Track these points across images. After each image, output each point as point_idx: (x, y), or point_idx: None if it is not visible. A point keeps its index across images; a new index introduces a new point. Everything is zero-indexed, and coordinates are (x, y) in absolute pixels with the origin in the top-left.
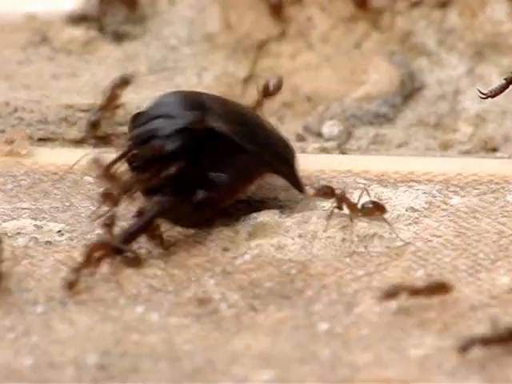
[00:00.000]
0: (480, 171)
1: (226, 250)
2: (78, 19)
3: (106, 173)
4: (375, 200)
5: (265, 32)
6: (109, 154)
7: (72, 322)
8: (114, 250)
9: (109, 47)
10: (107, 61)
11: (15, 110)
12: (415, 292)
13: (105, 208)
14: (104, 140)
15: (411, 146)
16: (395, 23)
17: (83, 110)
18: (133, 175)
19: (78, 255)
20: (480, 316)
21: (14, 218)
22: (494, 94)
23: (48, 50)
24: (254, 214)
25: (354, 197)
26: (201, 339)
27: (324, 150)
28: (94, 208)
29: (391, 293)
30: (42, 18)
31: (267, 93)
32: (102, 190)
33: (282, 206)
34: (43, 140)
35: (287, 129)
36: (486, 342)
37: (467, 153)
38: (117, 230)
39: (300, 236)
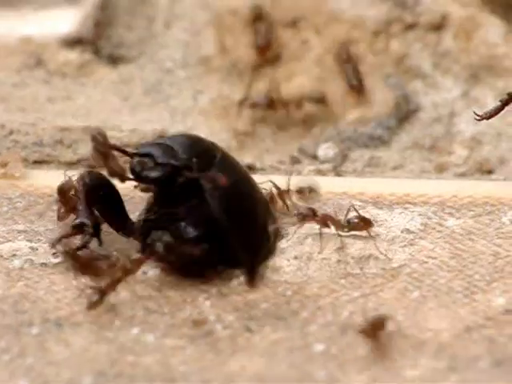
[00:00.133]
0: (475, 193)
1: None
2: (73, 42)
3: (105, 150)
4: (361, 215)
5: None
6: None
7: (67, 344)
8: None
9: (104, 70)
10: (102, 84)
11: (10, 133)
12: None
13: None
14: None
15: (406, 169)
16: (390, 46)
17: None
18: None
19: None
20: (475, 337)
21: (10, 240)
22: (489, 115)
23: (43, 72)
24: None
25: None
26: (196, 360)
27: (319, 173)
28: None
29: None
30: (37, 41)
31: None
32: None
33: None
34: (38, 162)
35: (282, 151)
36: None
37: (462, 175)
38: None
39: (295, 257)
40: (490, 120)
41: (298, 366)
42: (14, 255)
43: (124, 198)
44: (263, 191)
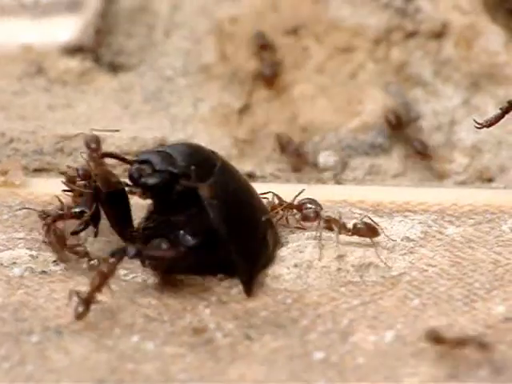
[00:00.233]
0: (475, 201)
1: (221, 279)
2: (73, 50)
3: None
4: (370, 222)
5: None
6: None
7: (67, 352)
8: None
9: (104, 78)
10: (103, 91)
11: (11, 141)
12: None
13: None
14: None
15: (407, 177)
16: (391, 54)
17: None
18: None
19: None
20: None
21: (10, 248)
22: (490, 123)
23: (44, 80)
24: None
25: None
26: (196, 368)
27: (320, 181)
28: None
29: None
30: (37, 49)
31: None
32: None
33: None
34: (38, 170)
35: (283, 159)
36: None
37: (463, 183)
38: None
39: (295, 265)
40: (490, 128)
41: (297, 374)
42: (14, 263)
43: None
44: (265, 201)
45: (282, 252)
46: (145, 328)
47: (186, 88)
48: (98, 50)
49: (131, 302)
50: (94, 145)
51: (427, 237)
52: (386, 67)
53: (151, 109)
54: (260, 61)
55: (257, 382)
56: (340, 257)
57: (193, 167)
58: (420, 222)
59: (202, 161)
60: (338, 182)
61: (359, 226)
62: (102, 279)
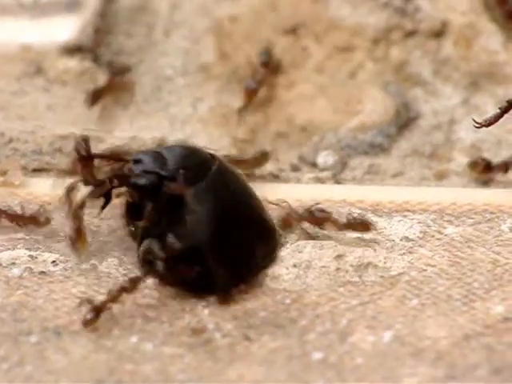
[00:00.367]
0: (475, 201)
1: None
2: (72, 50)
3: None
4: (361, 217)
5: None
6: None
7: (66, 352)
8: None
9: (104, 78)
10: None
11: (10, 141)
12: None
13: None
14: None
15: (406, 176)
16: (390, 53)
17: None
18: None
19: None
20: (474, 345)
21: (9, 249)
22: (489, 123)
23: (43, 80)
24: None
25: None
26: (195, 369)
27: (319, 180)
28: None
29: None
30: (36, 49)
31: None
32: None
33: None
34: (38, 170)
35: (282, 159)
36: None
37: (462, 183)
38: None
39: (294, 266)
40: (489, 127)
41: (296, 375)
42: (13, 263)
43: None
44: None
45: (281, 252)
46: (144, 328)
47: (185, 88)
48: (97, 50)
49: (130, 302)
50: (83, 145)
51: (426, 236)
52: (386, 67)
53: (150, 109)
54: (252, 73)
55: (256, 382)
56: (339, 257)
57: (181, 171)
58: (419, 222)
59: (195, 163)
60: (338, 182)
61: (352, 220)
62: (121, 292)
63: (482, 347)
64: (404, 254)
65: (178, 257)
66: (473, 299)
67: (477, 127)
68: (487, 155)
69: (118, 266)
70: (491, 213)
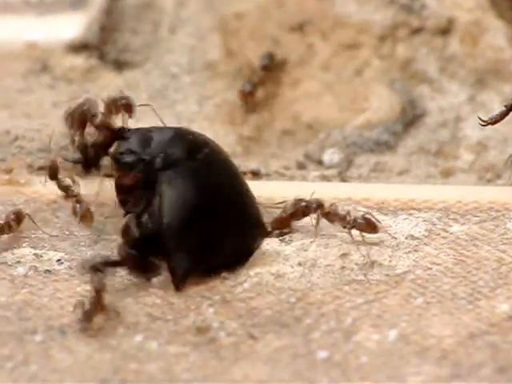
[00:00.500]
0: (480, 198)
1: (225, 278)
2: (78, 47)
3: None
4: (369, 217)
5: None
6: None
7: (71, 351)
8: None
9: (109, 75)
10: (108, 89)
11: (16, 139)
12: None
13: None
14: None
15: (412, 174)
16: (396, 50)
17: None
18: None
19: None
20: (479, 344)
21: (14, 247)
22: (495, 121)
23: (48, 78)
24: None
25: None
26: (199, 368)
27: (325, 178)
28: (93, 236)
29: None
30: (42, 47)
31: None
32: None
33: (282, 234)
34: (44, 169)
35: (288, 156)
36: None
37: (468, 180)
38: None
39: (299, 264)
40: (495, 125)
41: (301, 374)
42: (19, 262)
43: None
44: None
45: (286, 250)
46: (148, 327)
47: (191, 85)
48: (103, 48)
49: (135, 301)
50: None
51: (431, 235)
52: (392, 64)
53: (156, 106)
54: (251, 74)
55: (260, 382)
56: (344, 255)
57: (161, 154)
58: (424, 220)
59: (180, 148)
60: (343, 180)
61: (359, 220)
62: (98, 293)
63: (487, 346)
64: (409, 252)
65: (150, 239)
66: (478, 298)
67: (482, 125)
68: (493, 153)
69: None
70: (497, 211)
